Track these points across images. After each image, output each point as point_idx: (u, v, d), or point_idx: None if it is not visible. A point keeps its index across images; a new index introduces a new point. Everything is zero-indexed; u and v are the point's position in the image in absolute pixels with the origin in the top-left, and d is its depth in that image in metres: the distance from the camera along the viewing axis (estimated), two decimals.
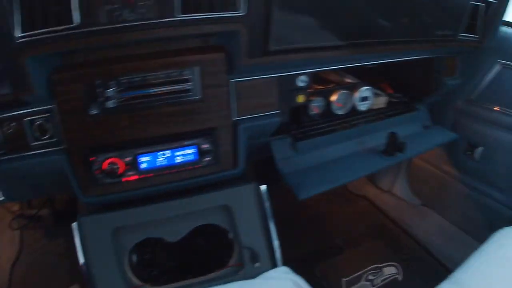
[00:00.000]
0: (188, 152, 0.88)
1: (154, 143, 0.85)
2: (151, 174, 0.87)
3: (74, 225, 0.86)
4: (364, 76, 1.41)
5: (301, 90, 1.03)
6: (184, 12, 0.72)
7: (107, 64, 0.77)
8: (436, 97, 1.48)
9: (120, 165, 0.83)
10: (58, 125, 0.78)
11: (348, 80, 1.33)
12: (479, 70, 1.44)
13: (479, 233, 1.49)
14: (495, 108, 1.39)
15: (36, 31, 0.64)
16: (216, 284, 0.86)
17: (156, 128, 0.84)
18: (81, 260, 0.87)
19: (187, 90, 0.83)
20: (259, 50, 0.83)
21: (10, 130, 0.77)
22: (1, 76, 0.68)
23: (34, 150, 0.79)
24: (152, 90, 0.80)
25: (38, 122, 0.78)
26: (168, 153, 0.87)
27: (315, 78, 1.28)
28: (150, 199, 0.92)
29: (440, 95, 1.47)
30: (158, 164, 0.87)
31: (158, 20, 0.70)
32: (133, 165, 0.85)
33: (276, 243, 1.02)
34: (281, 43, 0.85)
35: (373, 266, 1.53)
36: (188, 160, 0.89)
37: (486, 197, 1.49)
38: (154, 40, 0.78)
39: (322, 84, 1.30)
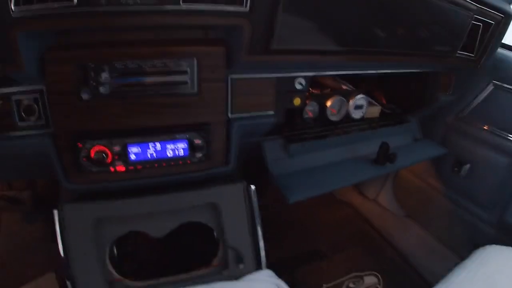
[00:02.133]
0: (180, 146, 0.86)
1: (145, 134, 0.82)
2: (140, 166, 0.84)
3: (55, 211, 0.82)
4: (360, 84, 1.41)
5: (298, 92, 1.01)
6: (187, 0, 0.68)
7: (102, 47, 0.74)
8: (428, 111, 1.49)
9: (109, 154, 0.80)
10: (47, 107, 0.75)
11: (344, 87, 1.33)
12: (473, 88, 1.46)
13: (460, 248, 1.50)
14: (484, 127, 1.41)
15: (32, 6, 0.61)
16: (199, 283, 0.84)
17: (148, 119, 0.81)
18: (60, 248, 0.83)
19: (183, 82, 0.81)
20: (260, 48, 0.80)
21: None
22: None
23: (20, 131, 0.76)
24: (147, 79, 0.78)
25: (26, 102, 0.74)
26: (158, 145, 0.84)
27: (312, 82, 1.28)
28: (136, 191, 0.88)
29: (432, 109, 1.48)
30: (148, 156, 0.84)
31: (160, 7, 0.67)
32: (122, 155, 0.82)
33: (261, 246, 1.00)
34: (283, 43, 0.82)
35: (354, 274, 1.52)
36: (179, 155, 0.86)
37: (469, 214, 1.50)
38: (153, 27, 0.76)
39: (318, 88, 1.29)
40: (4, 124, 0.75)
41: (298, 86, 1.00)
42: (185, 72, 0.80)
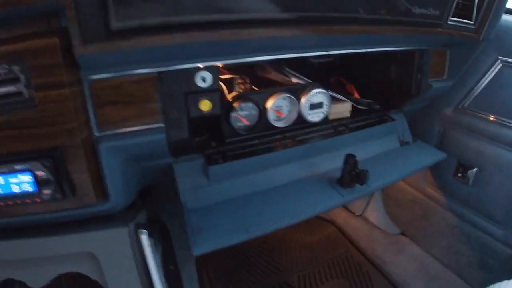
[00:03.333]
0: (24, 180, 0.70)
1: None
2: None
3: None
4: (321, 76, 1.17)
5: (204, 93, 0.77)
6: None
7: None
8: (418, 104, 1.30)
9: None
10: None
11: (295, 81, 1.06)
12: (475, 69, 1.27)
13: (468, 274, 1.35)
14: (493, 119, 1.22)
15: None
16: None
17: None
18: None
19: (17, 94, 0.63)
20: (98, 31, 0.58)
21: None
22: None
23: None
24: None
25: None
26: (0, 179, 0.70)
27: (251, 76, 1.07)
28: (13, 232, 0.79)
29: (423, 101, 1.29)
30: None
31: None
32: None
33: None
34: (133, 15, 0.55)
35: None
36: (25, 191, 0.70)
37: (479, 230, 1.33)
38: None
39: (261, 85, 1.04)
40: None
41: (200, 84, 0.75)
42: (17, 80, 0.63)
